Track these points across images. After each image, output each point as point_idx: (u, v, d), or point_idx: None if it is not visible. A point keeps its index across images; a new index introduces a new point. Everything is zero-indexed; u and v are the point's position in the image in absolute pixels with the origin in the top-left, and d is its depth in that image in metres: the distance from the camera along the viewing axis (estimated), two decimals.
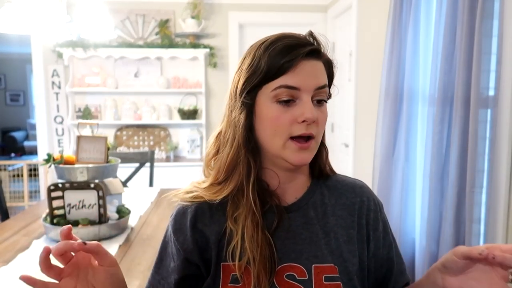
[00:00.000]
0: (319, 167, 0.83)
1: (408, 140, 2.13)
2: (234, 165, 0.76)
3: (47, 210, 1.74)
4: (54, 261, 0.63)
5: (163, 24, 3.92)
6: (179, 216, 0.79)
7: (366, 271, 0.81)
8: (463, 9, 1.64)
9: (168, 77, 4.01)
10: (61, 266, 0.65)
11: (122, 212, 1.84)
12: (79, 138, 1.84)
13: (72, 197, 1.68)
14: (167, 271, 0.80)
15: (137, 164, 2.97)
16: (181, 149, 4.12)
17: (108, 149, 1.88)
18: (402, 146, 2.16)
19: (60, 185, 1.68)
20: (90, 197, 1.68)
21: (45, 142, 3.99)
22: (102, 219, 1.69)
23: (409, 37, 2.08)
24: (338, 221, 0.80)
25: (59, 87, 3.93)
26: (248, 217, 0.74)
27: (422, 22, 2.06)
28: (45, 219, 1.74)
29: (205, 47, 3.89)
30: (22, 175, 4.32)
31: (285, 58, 0.71)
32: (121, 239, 1.74)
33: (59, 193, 1.69)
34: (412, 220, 2.19)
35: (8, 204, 2.87)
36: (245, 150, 0.75)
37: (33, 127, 6.62)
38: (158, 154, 4.02)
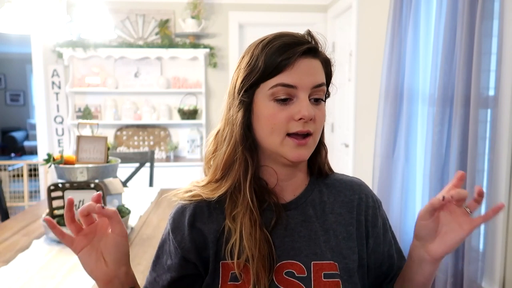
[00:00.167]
0: (318, 165, 0.84)
1: (408, 140, 2.13)
2: (231, 162, 0.76)
3: (47, 210, 1.74)
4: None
5: (163, 24, 3.92)
6: (178, 215, 0.80)
7: (366, 267, 0.81)
8: (463, 9, 1.64)
9: (168, 77, 4.01)
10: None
11: (122, 212, 1.84)
12: (79, 138, 1.84)
13: (72, 197, 1.67)
14: (163, 268, 0.80)
15: (137, 164, 2.97)
16: (181, 149, 4.12)
17: (108, 149, 1.88)
18: (402, 146, 2.16)
19: (60, 185, 1.68)
20: (90, 197, 1.67)
21: (45, 142, 3.99)
22: None
23: (409, 37, 2.08)
24: (337, 218, 0.80)
25: (59, 87, 3.93)
26: (246, 215, 0.74)
27: (422, 22, 2.06)
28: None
29: (205, 47, 3.89)
30: (22, 175, 4.33)
31: (282, 56, 0.71)
32: None
33: (59, 193, 1.69)
34: (412, 220, 2.19)
35: (8, 204, 2.88)
36: (242, 148, 0.75)
37: (33, 127, 6.64)
38: (158, 154, 4.02)
